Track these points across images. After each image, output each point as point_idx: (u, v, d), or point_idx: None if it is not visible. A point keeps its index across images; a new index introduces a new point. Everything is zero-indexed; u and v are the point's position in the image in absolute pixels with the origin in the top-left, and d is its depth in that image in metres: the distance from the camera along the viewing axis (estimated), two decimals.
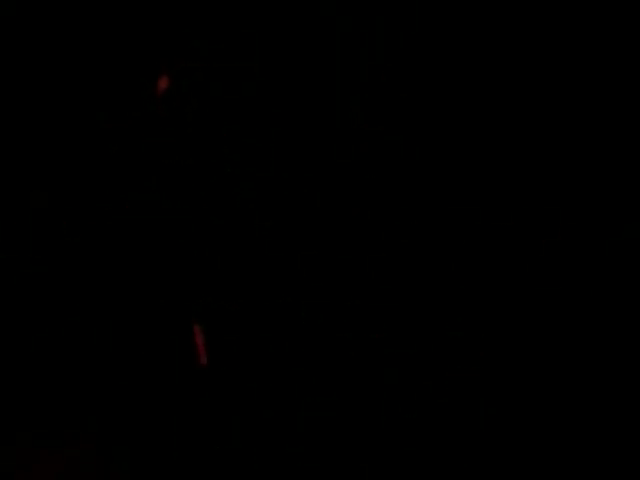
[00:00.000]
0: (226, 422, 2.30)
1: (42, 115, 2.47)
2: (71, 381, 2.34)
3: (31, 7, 2.49)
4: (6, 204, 2.44)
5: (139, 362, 2.32)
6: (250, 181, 2.37)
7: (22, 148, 2.48)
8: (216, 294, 2.35)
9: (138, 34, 2.51)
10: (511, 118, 2.18)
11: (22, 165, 2.47)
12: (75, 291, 2.38)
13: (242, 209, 2.36)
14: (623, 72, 1.94)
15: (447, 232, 2.12)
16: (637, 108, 1.92)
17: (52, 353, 2.35)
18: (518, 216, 2.05)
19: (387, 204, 2.20)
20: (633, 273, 1.97)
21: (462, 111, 2.12)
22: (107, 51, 2.46)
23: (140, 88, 2.44)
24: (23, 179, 2.47)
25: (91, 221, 2.42)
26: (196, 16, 2.42)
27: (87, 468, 2.27)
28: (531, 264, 2.04)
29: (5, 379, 2.35)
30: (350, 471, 2.18)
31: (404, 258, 2.16)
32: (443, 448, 2.08)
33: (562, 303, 2.02)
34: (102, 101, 2.43)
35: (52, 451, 2.29)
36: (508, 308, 2.06)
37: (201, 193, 2.40)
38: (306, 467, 2.24)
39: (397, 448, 2.12)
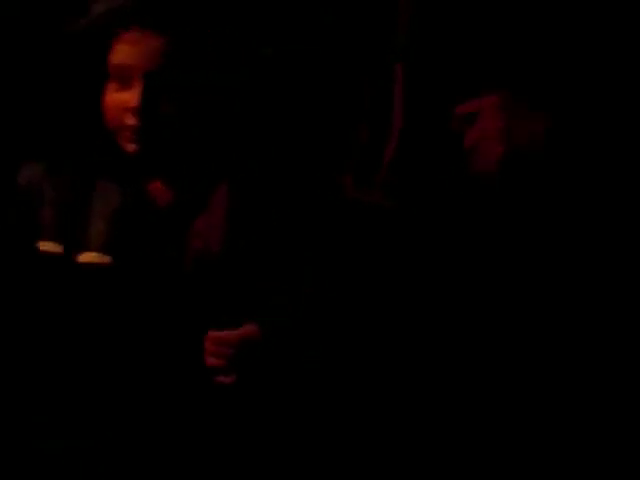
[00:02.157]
0: (227, 423, 2.30)
1: (42, 115, 2.47)
2: (71, 381, 2.34)
3: (31, 7, 2.49)
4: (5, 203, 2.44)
5: (139, 362, 2.33)
6: (249, 181, 2.37)
7: (22, 148, 2.48)
8: (216, 293, 2.35)
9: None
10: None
11: (21, 165, 2.47)
12: (75, 291, 2.38)
13: (241, 208, 2.36)
14: (623, 72, 1.94)
15: (447, 231, 2.12)
16: (637, 108, 1.92)
17: (52, 353, 2.35)
18: (518, 216, 2.05)
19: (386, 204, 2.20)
20: (633, 273, 1.97)
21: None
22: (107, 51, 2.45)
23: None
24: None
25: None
26: (196, 17, 2.42)
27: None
28: (531, 264, 2.04)
29: (5, 379, 2.35)
30: (350, 471, 2.19)
31: (404, 258, 2.16)
32: (443, 448, 2.08)
33: (562, 303, 2.02)
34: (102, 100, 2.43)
35: None
36: (508, 308, 2.06)
37: (200, 193, 2.40)
38: (306, 467, 2.24)
39: (397, 448, 2.13)
